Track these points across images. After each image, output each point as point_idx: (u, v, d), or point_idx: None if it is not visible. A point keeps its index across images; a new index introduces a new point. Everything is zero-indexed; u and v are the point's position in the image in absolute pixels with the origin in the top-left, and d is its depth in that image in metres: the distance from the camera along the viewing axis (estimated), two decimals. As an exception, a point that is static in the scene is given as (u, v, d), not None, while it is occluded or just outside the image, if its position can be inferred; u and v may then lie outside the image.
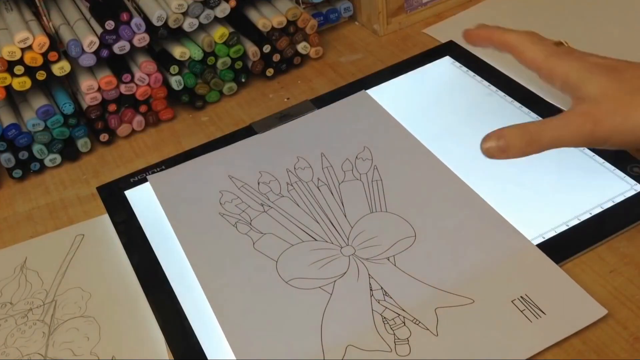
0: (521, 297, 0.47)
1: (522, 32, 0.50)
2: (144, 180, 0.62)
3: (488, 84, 0.66)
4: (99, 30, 0.63)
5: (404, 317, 0.47)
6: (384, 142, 0.62)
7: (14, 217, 0.62)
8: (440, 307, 0.48)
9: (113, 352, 0.49)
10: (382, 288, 0.49)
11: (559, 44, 0.50)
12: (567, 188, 0.55)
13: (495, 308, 0.47)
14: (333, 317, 0.48)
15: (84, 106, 0.66)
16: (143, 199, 0.60)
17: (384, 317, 0.47)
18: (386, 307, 0.48)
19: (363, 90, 0.68)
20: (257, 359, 0.46)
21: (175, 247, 0.55)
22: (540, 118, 0.61)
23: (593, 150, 0.57)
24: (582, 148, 0.58)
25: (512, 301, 0.47)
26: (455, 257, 0.51)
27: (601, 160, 0.56)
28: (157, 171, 0.62)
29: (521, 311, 0.46)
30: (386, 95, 0.67)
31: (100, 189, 0.62)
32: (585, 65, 0.46)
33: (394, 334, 0.46)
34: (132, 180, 0.62)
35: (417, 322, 0.47)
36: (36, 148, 0.64)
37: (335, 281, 0.50)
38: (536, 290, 0.47)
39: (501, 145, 0.43)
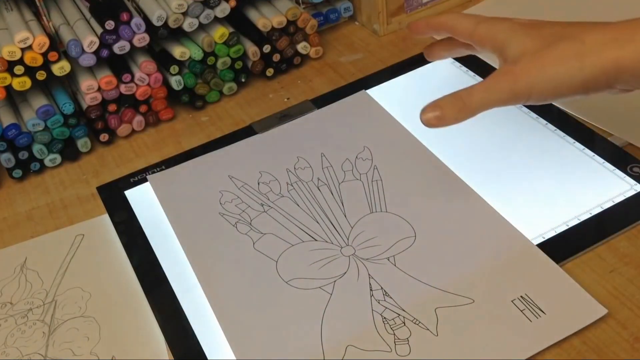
0: (521, 296, 0.47)
1: (454, 12, 0.55)
2: (144, 180, 0.62)
3: (488, 84, 0.66)
4: (99, 30, 0.63)
5: (404, 317, 0.47)
6: (384, 142, 0.62)
7: (14, 217, 0.62)
8: (440, 307, 0.48)
9: (113, 352, 0.49)
10: (382, 288, 0.49)
11: None
12: (567, 188, 0.55)
13: (495, 308, 0.47)
14: (333, 317, 0.48)
15: (84, 106, 0.66)
16: (143, 199, 0.60)
17: (384, 317, 0.47)
18: (386, 307, 0.48)
19: (363, 90, 0.68)
20: (257, 359, 0.46)
21: (175, 247, 0.55)
22: (539, 117, 0.61)
23: (593, 150, 0.57)
24: (581, 148, 0.58)
25: (512, 301, 0.47)
26: (455, 257, 0.51)
27: (601, 160, 0.56)
28: (157, 171, 0.62)
29: (521, 311, 0.46)
30: (386, 95, 0.67)
31: (100, 189, 0.62)
32: (511, 26, 0.50)
33: (394, 334, 0.46)
34: (132, 180, 0.62)
35: (417, 322, 0.47)
36: (36, 148, 0.64)
37: (335, 281, 0.50)
38: (536, 290, 0.47)
39: (437, 115, 0.48)
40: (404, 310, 0.48)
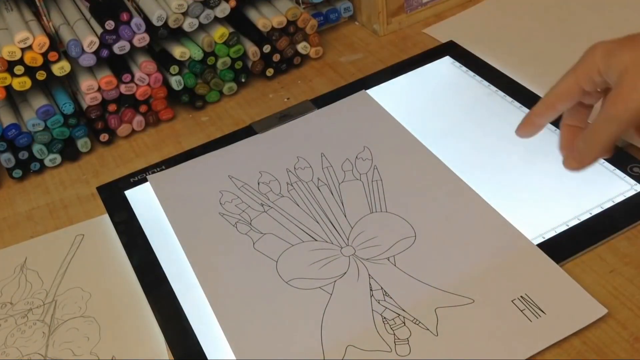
0: (521, 296, 0.47)
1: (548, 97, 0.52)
2: (144, 180, 0.62)
3: (488, 84, 0.66)
4: (99, 30, 0.63)
5: (404, 317, 0.47)
6: (384, 142, 0.61)
7: (14, 217, 0.62)
8: (440, 307, 0.48)
9: (113, 352, 0.49)
10: (382, 288, 0.49)
11: None
12: (567, 188, 0.55)
13: (495, 308, 0.47)
14: (333, 317, 0.48)
15: (84, 106, 0.66)
16: (143, 199, 0.60)
17: (384, 317, 0.47)
18: (386, 307, 0.48)
19: (363, 90, 0.68)
20: (257, 359, 0.46)
21: (175, 247, 0.55)
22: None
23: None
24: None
25: (512, 301, 0.47)
26: (455, 257, 0.51)
27: (601, 160, 0.56)
28: (157, 171, 0.62)
29: (521, 311, 0.46)
30: (386, 95, 0.67)
31: (100, 189, 0.62)
32: (605, 48, 0.47)
33: (394, 334, 0.46)
34: (132, 180, 0.62)
35: (417, 322, 0.47)
36: (36, 148, 0.64)
37: (335, 281, 0.50)
38: (536, 290, 0.47)
39: (575, 157, 0.49)
40: (404, 311, 0.48)
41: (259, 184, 0.59)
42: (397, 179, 0.58)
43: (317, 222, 0.55)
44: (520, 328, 0.45)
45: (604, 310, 0.46)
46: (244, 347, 0.47)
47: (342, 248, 0.53)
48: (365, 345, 0.46)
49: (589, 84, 0.48)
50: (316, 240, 0.54)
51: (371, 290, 0.49)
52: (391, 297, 0.49)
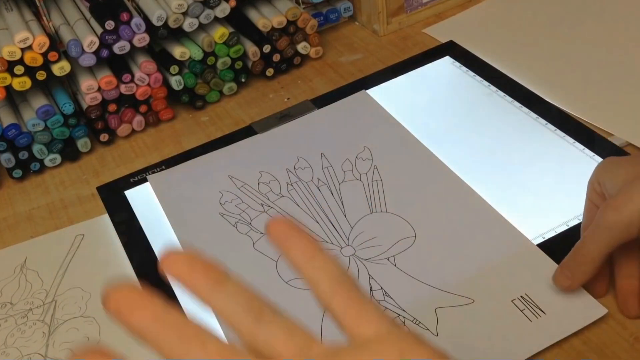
0: (521, 296, 0.47)
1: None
2: (144, 180, 0.62)
3: (488, 84, 0.66)
4: (99, 30, 0.63)
5: (404, 317, 0.47)
6: (384, 142, 0.61)
7: (14, 217, 0.62)
8: (440, 307, 0.48)
9: (113, 352, 0.49)
10: (382, 288, 0.49)
11: None
12: (567, 188, 0.55)
13: (495, 308, 0.47)
14: (333, 317, 0.48)
15: (84, 106, 0.66)
16: (143, 199, 0.60)
17: (384, 317, 0.47)
18: (386, 308, 0.48)
19: (363, 90, 0.68)
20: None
21: (175, 247, 0.55)
22: (538, 117, 0.61)
23: (593, 150, 0.57)
24: (581, 148, 0.58)
25: (512, 301, 0.47)
26: (455, 257, 0.51)
27: (601, 160, 0.56)
28: (157, 171, 0.62)
29: (521, 311, 0.46)
30: (386, 95, 0.67)
31: (100, 189, 0.62)
32: (617, 159, 0.47)
33: (394, 334, 0.46)
34: (132, 180, 0.62)
35: (417, 322, 0.47)
36: (36, 148, 0.64)
37: (335, 281, 0.50)
38: (536, 290, 0.47)
39: (567, 275, 0.46)
40: (404, 311, 0.48)
41: (259, 184, 0.59)
42: (397, 179, 0.58)
43: (317, 222, 0.55)
44: (520, 328, 0.45)
45: (604, 310, 0.46)
46: (244, 347, 0.47)
47: (342, 248, 0.53)
48: (365, 345, 0.46)
49: (596, 197, 0.47)
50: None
51: (371, 290, 0.49)
52: (391, 297, 0.49)
